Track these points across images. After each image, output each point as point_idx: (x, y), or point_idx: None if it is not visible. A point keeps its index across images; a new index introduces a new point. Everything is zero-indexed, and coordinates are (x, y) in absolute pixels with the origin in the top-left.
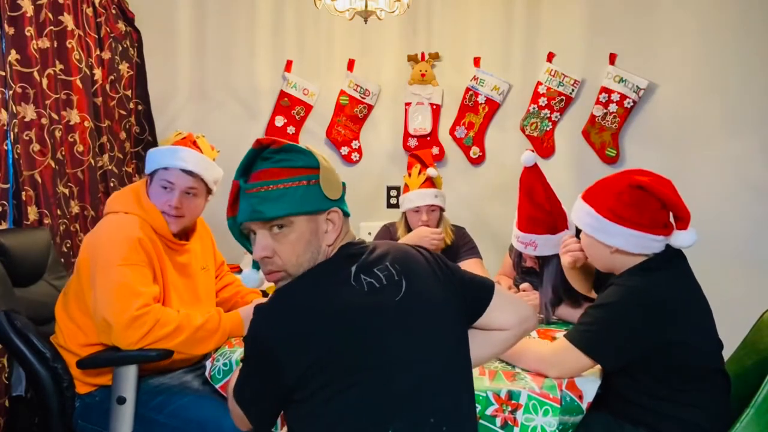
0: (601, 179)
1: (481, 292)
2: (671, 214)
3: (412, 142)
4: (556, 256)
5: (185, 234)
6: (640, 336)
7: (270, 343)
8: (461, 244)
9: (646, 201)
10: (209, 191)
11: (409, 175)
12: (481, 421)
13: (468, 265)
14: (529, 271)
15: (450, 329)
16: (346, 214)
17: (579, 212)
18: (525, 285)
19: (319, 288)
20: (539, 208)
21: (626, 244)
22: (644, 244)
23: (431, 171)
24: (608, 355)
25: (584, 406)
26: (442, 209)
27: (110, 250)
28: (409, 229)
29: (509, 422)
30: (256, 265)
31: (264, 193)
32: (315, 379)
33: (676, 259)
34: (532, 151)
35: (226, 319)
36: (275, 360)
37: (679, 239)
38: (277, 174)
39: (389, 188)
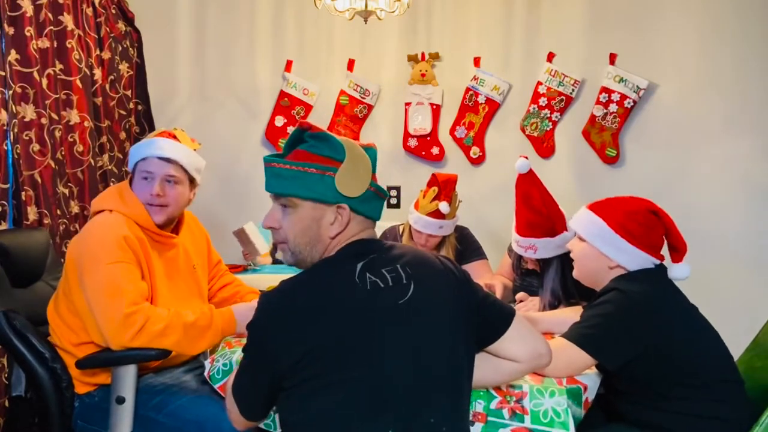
0: (611, 198)
1: (498, 319)
2: (667, 244)
3: (412, 142)
4: (556, 259)
5: (173, 228)
6: (639, 335)
7: (268, 331)
8: (465, 246)
9: (655, 225)
10: (192, 181)
11: (424, 195)
12: (489, 418)
13: (474, 267)
14: (529, 272)
15: (454, 338)
16: (362, 214)
17: (586, 222)
18: (521, 295)
19: (322, 281)
20: (536, 212)
21: (630, 262)
22: (643, 264)
23: (443, 207)
24: (607, 352)
25: (584, 397)
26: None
27: (96, 250)
28: (412, 238)
29: (517, 411)
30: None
31: (277, 170)
32: (306, 369)
33: (665, 276)
34: (526, 157)
35: (218, 316)
36: (272, 347)
37: (677, 271)
38: (302, 156)
39: (389, 188)
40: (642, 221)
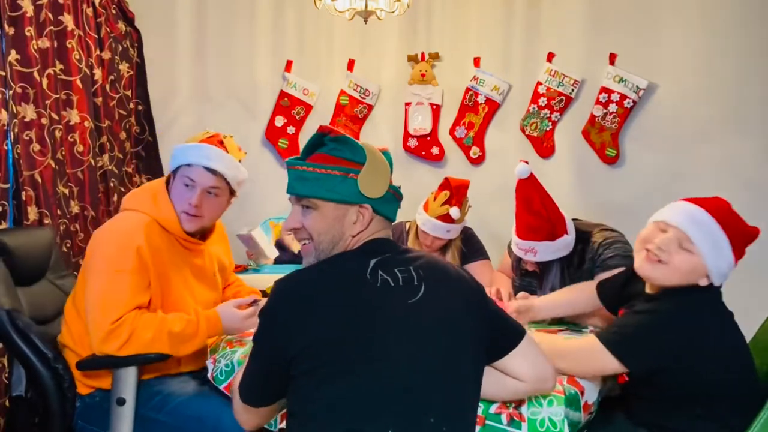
0: (719, 200)
1: (507, 336)
2: None
3: (412, 142)
4: (556, 262)
5: (202, 234)
6: (674, 349)
7: (277, 317)
8: (468, 247)
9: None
10: (232, 193)
11: (435, 197)
12: (487, 421)
13: (475, 268)
14: (529, 274)
15: (462, 343)
16: (381, 214)
17: (705, 226)
18: (521, 295)
19: (333, 274)
20: (537, 216)
21: (722, 278)
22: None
23: (454, 213)
24: (637, 361)
25: (582, 402)
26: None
27: (103, 256)
28: (417, 238)
29: (515, 418)
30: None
31: (301, 173)
32: (311, 359)
33: (713, 289)
34: (526, 162)
35: (204, 323)
36: (278, 333)
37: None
38: (323, 159)
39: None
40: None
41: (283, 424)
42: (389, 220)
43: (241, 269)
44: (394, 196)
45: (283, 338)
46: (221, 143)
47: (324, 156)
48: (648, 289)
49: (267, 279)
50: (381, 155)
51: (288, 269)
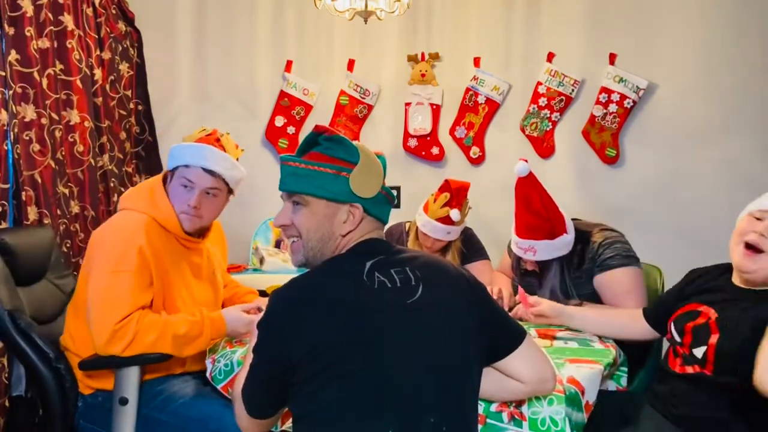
0: None
1: (507, 337)
2: None
3: (412, 142)
4: (556, 261)
5: (200, 233)
6: None
7: (276, 326)
8: (468, 247)
9: None
10: (230, 191)
11: (435, 199)
12: (488, 420)
13: (475, 268)
14: (529, 273)
15: (461, 342)
16: (373, 215)
17: None
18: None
19: (330, 278)
20: (536, 215)
21: None
22: None
23: (454, 215)
24: None
25: (584, 401)
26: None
27: (105, 255)
28: (418, 239)
29: (516, 416)
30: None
31: (293, 169)
32: (314, 364)
33: None
34: (526, 160)
35: (208, 327)
36: (280, 342)
37: None
38: (317, 158)
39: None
40: None
41: (285, 426)
42: (381, 222)
43: (241, 269)
44: (386, 198)
45: (282, 345)
46: (218, 141)
47: (318, 155)
48: (744, 285)
49: (266, 279)
50: (375, 157)
51: (289, 270)
